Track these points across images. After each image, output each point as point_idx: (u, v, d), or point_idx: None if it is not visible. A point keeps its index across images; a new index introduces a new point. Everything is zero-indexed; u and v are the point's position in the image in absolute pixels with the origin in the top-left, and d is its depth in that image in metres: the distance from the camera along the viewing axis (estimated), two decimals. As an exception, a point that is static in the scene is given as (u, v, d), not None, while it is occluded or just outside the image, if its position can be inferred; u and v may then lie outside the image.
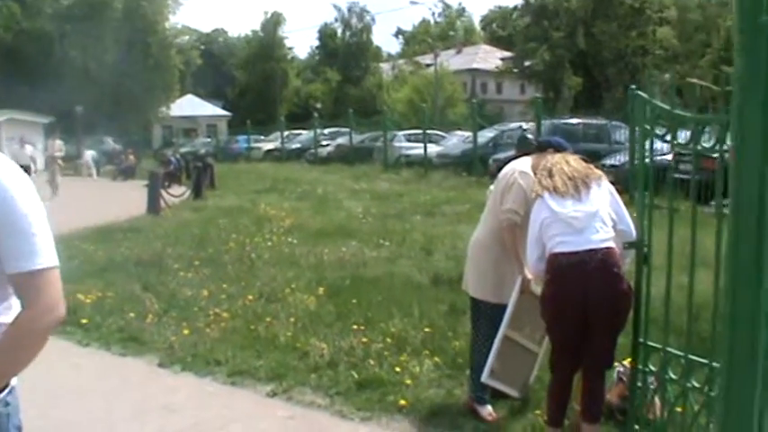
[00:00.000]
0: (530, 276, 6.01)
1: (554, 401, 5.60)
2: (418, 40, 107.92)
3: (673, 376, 5.21)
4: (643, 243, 5.46)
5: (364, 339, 8.02)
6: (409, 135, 38.21)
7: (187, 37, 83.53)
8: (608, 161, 22.46)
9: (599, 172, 5.63)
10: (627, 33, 67.72)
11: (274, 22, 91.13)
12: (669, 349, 5.24)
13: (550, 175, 5.58)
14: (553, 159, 5.72)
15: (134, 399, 7.00)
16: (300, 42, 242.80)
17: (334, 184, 28.71)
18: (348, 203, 22.07)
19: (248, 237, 15.08)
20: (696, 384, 5.04)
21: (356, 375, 7.09)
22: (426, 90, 70.55)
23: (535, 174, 6.05)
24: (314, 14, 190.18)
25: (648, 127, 5.36)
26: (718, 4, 70.34)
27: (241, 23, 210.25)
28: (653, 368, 5.39)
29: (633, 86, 23.80)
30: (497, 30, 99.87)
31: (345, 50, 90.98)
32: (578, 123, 27.27)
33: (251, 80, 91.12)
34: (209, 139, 65.00)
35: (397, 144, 37.32)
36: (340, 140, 43.62)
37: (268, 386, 7.09)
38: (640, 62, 67.97)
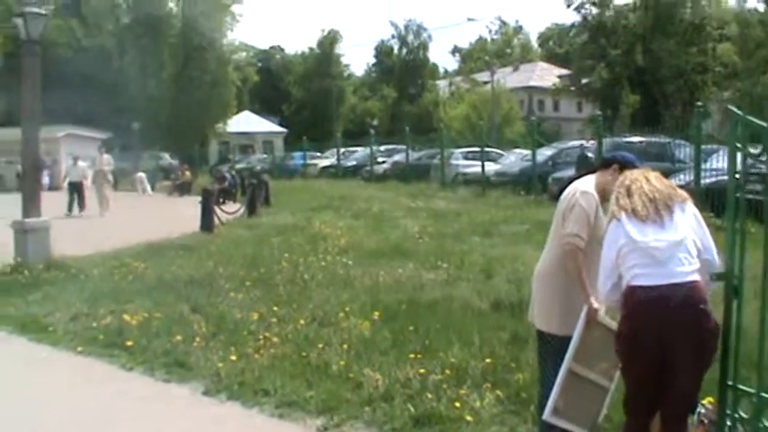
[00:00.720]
0: (596, 305, 5.52)
1: None
2: (475, 58, 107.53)
3: (768, 424, 4.67)
4: (733, 273, 4.92)
5: (421, 370, 7.53)
6: (466, 153, 37.67)
7: (244, 53, 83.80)
8: (671, 180, 21.64)
9: (684, 194, 5.09)
10: (686, 50, 66.40)
11: (331, 39, 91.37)
12: (764, 394, 4.69)
13: (629, 194, 5.04)
14: (632, 176, 5.19)
15: (178, 429, 6.61)
16: (357, 59, 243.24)
17: (391, 201, 28.31)
18: (404, 222, 21.62)
19: (302, 256, 14.69)
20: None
21: (413, 410, 6.62)
22: (483, 107, 70.07)
23: (602, 195, 5.63)
24: (371, 31, 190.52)
25: (740, 145, 4.83)
26: (780, 21, 69.13)
27: (298, 40, 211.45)
28: (744, 414, 4.84)
29: (698, 103, 23.28)
30: (554, 47, 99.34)
31: (402, 67, 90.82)
32: (640, 141, 26.37)
33: (307, 97, 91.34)
34: (265, 156, 65.01)
35: (454, 162, 36.86)
36: (396, 158, 43.34)
37: (318, 420, 6.64)
38: (700, 79, 66.79)
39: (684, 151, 23.21)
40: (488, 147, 36.17)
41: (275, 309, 10.37)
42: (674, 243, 4.82)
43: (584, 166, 25.68)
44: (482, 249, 15.93)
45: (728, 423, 4.94)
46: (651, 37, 66.17)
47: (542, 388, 5.92)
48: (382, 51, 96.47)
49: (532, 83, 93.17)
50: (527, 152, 33.29)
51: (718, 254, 5.02)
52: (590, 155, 25.21)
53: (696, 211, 5.05)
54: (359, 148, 51.71)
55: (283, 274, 12.94)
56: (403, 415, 6.56)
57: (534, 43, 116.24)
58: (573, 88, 74.17)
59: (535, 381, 6.97)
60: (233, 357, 8.24)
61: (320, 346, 8.54)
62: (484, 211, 24.00)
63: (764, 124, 4.72)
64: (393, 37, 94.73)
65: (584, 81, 70.74)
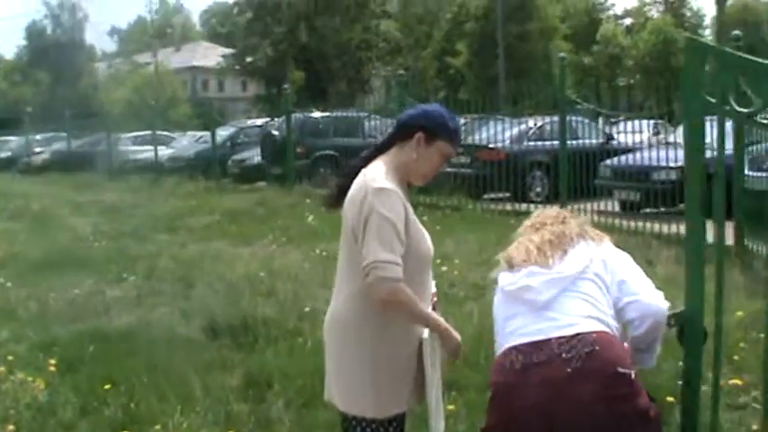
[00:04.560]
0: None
1: None
2: (135, 39, 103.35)
3: None
4: (699, 310, 2.98)
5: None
6: (135, 137, 34.81)
7: None
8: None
9: (600, 233, 3.31)
10: (351, 27, 66.72)
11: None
12: None
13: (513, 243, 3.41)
14: (540, 218, 3.45)
15: None
16: (5, 42, 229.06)
17: (54, 197, 24.77)
18: (73, 221, 18.56)
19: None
20: None
21: None
22: (146, 89, 67.08)
23: (405, 181, 3.66)
24: (20, 11, 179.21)
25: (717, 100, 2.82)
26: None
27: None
28: None
29: (401, 72, 22.01)
30: (217, 26, 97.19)
31: (56, 50, 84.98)
32: (327, 116, 24.93)
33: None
34: None
35: (122, 148, 33.92)
36: (56, 146, 39.56)
37: None
38: (364, 55, 67.75)
39: (374, 126, 21.96)
40: (158, 130, 33.56)
41: None
42: (557, 279, 3.03)
43: (270, 146, 23.99)
44: (172, 250, 13.43)
45: None
46: (315, 14, 65.84)
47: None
48: (34, 32, 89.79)
49: (195, 63, 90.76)
50: (200, 134, 31.82)
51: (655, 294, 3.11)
52: (275, 133, 23.52)
53: (617, 251, 3.24)
54: (13, 138, 46.98)
55: None
56: None
57: (196, 22, 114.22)
58: (238, 67, 72.63)
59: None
60: None
61: (-30, 430, 5.78)
62: (162, 201, 21.33)
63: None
64: (45, 17, 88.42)
65: (248, 60, 69.40)
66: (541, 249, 3.18)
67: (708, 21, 76.74)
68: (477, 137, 18.49)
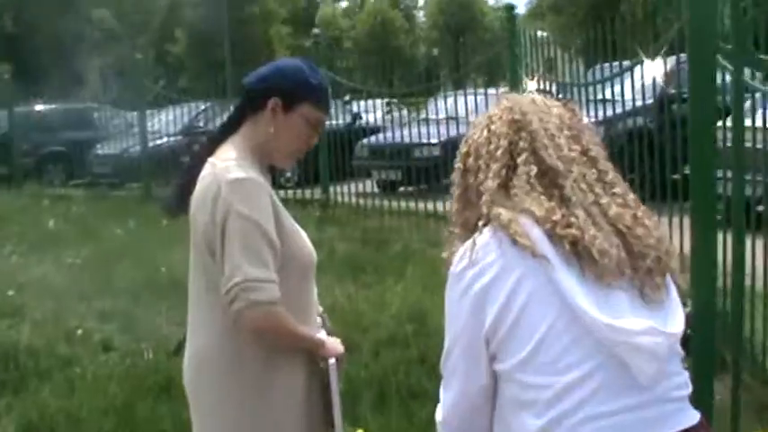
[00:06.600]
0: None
1: None
2: None
3: None
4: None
5: None
6: None
7: None
8: (101, 151, 19.22)
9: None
10: (62, 16, 64.04)
11: None
12: None
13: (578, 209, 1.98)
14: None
15: None
16: None
17: None
18: None
19: None
20: None
21: None
22: None
23: (263, 162, 2.82)
24: None
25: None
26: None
27: None
28: None
29: (140, 56, 20.68)
30: None
31: None
32: (54, 109, 23.18)
33: None
34: None
35: None
36: None
37: None
38: (77, 45, 65.48)
39: (103, 117, 20.81)
40: None
41: None
42: (674, 343, 1.97)
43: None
44: None
45: None
46: (22, 4, 63.13)
47: None
48: None
49: None
50: None
51: None
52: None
53: None
54: None
55: None
56: None
57: None
58: (-69, 59, 68.08)
59: None
60: None
61: None
62: None
63: None
64: None
65: (-55, 50, 65.27)
66: (649, 275, 1.96)
67: (421, 2, 79.34)
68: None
